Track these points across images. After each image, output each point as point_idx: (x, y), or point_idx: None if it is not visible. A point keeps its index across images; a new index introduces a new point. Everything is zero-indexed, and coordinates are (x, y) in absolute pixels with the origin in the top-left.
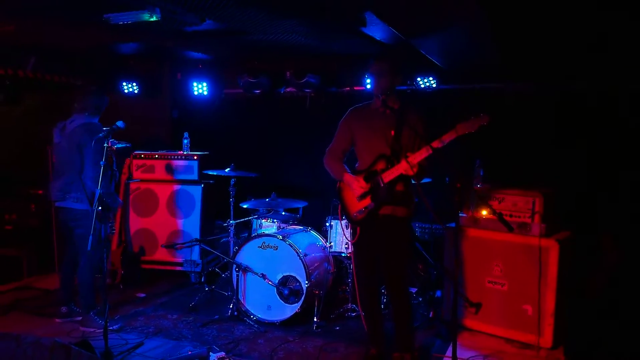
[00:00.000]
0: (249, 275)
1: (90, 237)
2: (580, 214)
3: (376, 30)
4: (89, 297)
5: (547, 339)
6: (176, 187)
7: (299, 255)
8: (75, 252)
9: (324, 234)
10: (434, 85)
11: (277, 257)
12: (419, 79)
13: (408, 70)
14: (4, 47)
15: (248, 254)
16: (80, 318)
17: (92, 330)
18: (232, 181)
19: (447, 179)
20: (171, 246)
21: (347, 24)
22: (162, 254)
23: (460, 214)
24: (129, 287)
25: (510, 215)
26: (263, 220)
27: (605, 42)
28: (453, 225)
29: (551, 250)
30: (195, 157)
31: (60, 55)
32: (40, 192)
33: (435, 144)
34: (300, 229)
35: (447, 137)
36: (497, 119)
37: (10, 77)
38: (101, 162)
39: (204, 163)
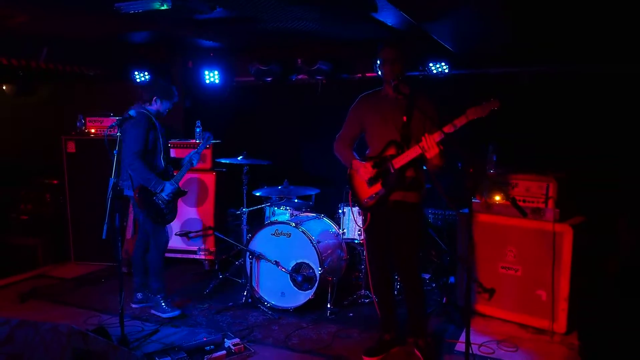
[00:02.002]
0: (263, 263)
1: (105, 225)
2: (596, 198)
3: (387, 16)
4: (156, 279)
5: (561, 324)
6: (189, 175)
7: (311, 242)
8: (142, 237)
9: (337, 221)
10: (446, 71)
11: (290, 244)
12: (431, 64)
13: (420, 55)
14: (17, 38)
15: (261, 242)
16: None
17: (160, 315)
18: (245, 169)
19: (459, 164)
20: (185, 234)
21: (358, 9)
22: (175, 242)
23: (473, 200)
24: None
25: (524, 201)
26: (276, 208)
27: (624, 21)
28: (466, 211)
29: (565, 235)
30: (207, 146)
31: (72, 45)
32: (55, 182)
33: (447, 129)
34: (313, 216)
35: (459, 122)
36: (510, 104)
37: (24, 67)
38: (114, 151)
39: (216, 151)
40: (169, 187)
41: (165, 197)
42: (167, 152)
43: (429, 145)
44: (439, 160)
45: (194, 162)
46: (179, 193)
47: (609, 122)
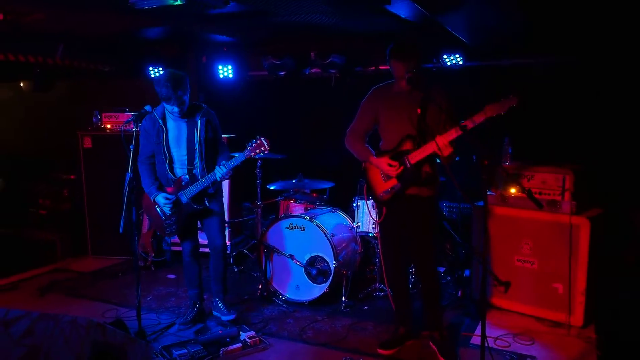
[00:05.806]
0: (277, 256)
1: (122, 219)
2: (613, 190)
3: (401, 8)
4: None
5: (578, 318)
6: None
7: (326, 236)
8: None
9: (351, 215)
10: (461, 63)
11: (305, 237)
12: (445, 56)
13: (433, 47)
14: (34, 35)
15: (276, 235)
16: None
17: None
18: (259, 163)
19: (474, 157)
20: (200, 228)
21: (371, 2)
22: None
23: (488, 192)
24: (159, 269)
25: (540, 193)
26: (290, 202)
27: None
28: (481, 203)
29: (582, 227)
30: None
31: (88, 42)
32: (73, 177)
33: (465, 124)
34: (327, 209)
35: (477, 119)
36: (525, 95)
37: (40, 64)
38: (131, 147)
39: (230, 146)
40: (159, 199)
41: (163, 208)
42: (179, 159)
43: (443, 146)
44: (453, 156)
45: (218, 175)
46: (181, 206)
47: (626, 113)
